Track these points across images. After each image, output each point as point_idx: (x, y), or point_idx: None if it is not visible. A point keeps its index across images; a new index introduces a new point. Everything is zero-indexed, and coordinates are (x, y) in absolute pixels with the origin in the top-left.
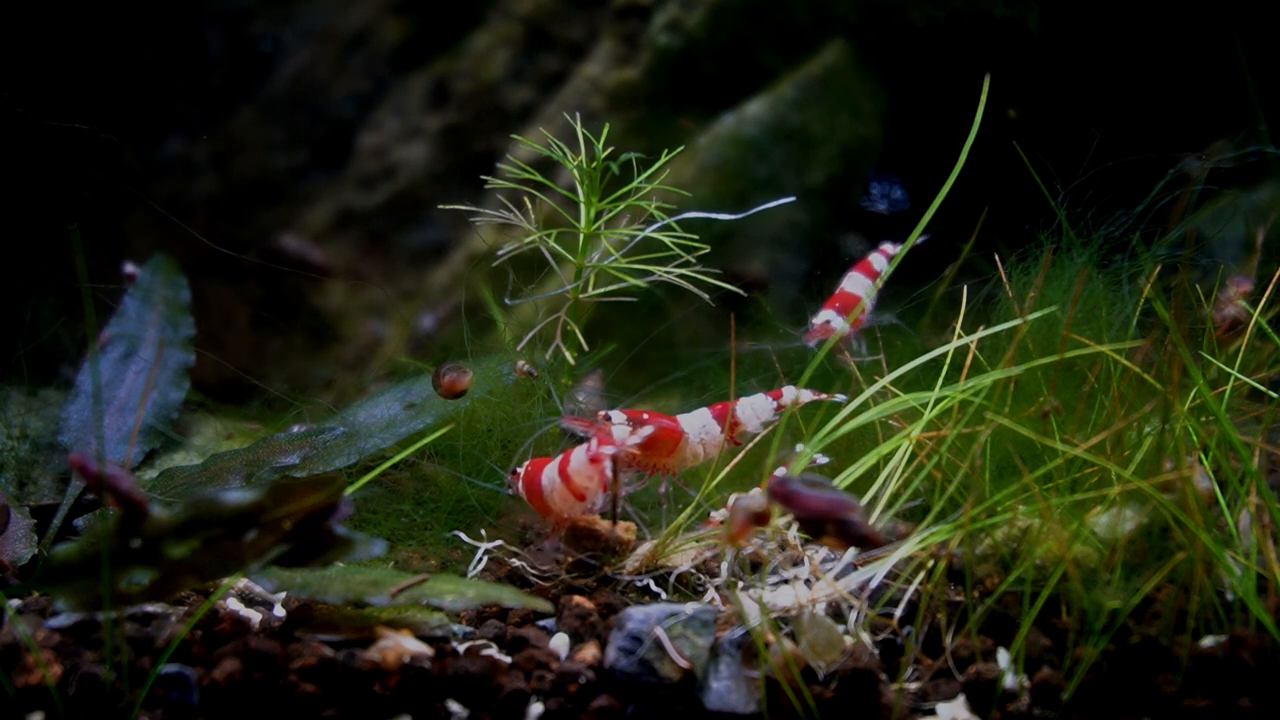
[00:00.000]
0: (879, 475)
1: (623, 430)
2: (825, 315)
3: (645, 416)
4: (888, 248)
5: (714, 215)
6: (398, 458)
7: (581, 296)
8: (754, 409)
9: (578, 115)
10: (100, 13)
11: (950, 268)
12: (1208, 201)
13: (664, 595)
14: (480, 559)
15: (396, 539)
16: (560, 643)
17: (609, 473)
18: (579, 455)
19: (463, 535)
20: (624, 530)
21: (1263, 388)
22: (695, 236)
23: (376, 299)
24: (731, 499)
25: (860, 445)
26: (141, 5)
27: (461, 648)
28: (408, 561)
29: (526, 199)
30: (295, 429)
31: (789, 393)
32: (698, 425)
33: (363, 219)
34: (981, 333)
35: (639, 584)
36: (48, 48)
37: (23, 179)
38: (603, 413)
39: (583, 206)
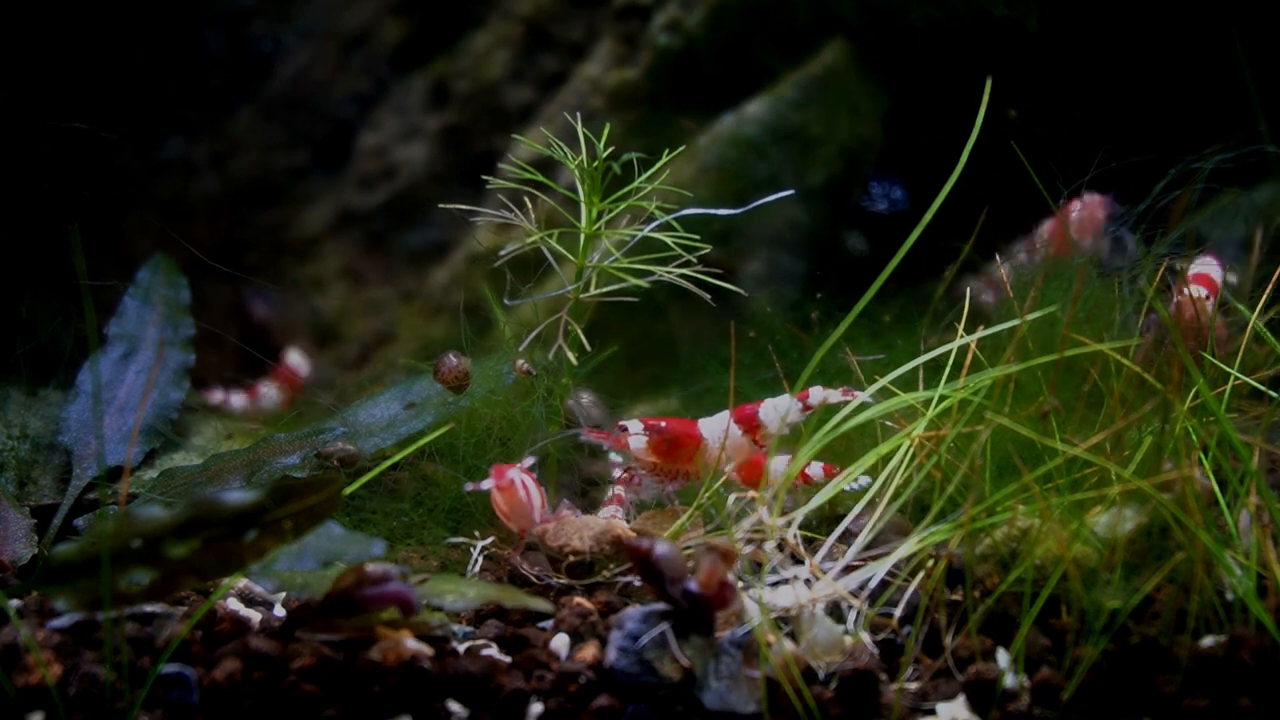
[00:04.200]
0: (878, 474)
1: (640, 440)
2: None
3: (663, 424)
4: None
5: (713, 211)
6: (397, 457)
7: (583, 296)
8: (778, 410)
9: (578, 115)
10: (100, 13)
11: (950, 267)
12: (1208, 201)
13: None
14: (478, 559)
15: (396, 539)
16: (560, 642)
17: (523, 497)
18: (501, 477)
19: (459, 539)
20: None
21: (1263, 387)
22: (696, 236)
23: (376, 299)
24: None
25: (860, 444)
26: (141, 5)
27: (461, 648)
28: (407, 561)
29: (527, 199)
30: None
31: (816, 393)
32: (718, 429)
33: (363, 219)
34: (981, 332)
35: (635, 585)
36: (48, 48)
37: (23, 179)
38: (621, 423)
39: (583, 206)
